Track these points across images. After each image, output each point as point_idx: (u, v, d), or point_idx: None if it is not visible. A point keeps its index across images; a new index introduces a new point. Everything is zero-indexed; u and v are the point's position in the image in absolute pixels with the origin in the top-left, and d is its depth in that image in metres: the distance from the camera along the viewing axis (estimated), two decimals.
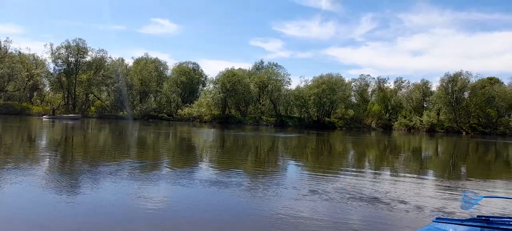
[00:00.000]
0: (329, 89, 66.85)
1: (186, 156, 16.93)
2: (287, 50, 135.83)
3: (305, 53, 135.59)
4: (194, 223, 6.30)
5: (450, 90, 68.77)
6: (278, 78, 71.10)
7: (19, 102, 58.61)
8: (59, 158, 13.71)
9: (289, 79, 73.10)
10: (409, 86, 78.01)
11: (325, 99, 66.86)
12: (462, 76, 68.67)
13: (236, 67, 71.85)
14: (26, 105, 58.02)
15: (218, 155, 17.85)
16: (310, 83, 71.31)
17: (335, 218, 6.84)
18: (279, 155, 19.60)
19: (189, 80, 75.54)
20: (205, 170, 12.36)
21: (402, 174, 13.48)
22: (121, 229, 5.82)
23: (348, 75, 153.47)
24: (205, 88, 76.86)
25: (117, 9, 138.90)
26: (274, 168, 13.86)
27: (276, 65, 75.23)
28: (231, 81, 65.38)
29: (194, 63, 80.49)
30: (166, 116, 63.77)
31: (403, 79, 79.46)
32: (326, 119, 70.18)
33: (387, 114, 73.87)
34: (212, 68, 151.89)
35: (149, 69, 68.15)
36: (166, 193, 8.47)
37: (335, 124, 68.90)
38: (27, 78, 61.40)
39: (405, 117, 72.53)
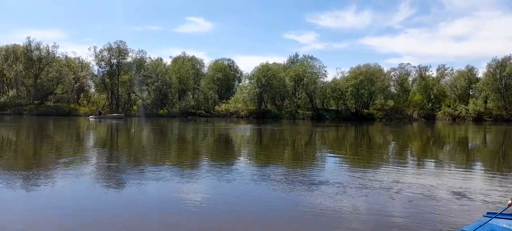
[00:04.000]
0: (367, 80, 65.15)
1: (225, 151, 17.26)
2: (321, 42, 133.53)
3: (341, 44, 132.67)
4: (235, 217, 6.46)
5: (498, 76, 64.71)
6: (314, 71, 70.23)
7: (67, 104, 62.18)
8: (106, 155, 14.48)
9: (325, 71, 72.08)
10: (452, 73, 74.32)
11: (363, 91, 65.24)
12: (511, 61, 64.39)
13: (271, 62, 71.91)
14: (74, 107, 61.45)
15: (256, 150, 18.03)
16: (346, 74, 69.89)
17: (377, 213, 6.73)
18: (317, 149, 19.46)
19: (225, 77, 76.49)
20: (244, 164, 12.55)
21: (448, 166, 12.96)
22: (164, 223, 6.08)
23: (387, 65, 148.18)
24: (240, 84, 77.57)
25: (153, 10, 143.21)
26: (312, 162, 13.81)
27: (311, 57, 74.44)
28: (266, 76, 65.46)
29: (229, 60, 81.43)
30: (204, 112, 65.07)
31: (446, 67, 75.88)
32: (365, 110, 68.50)
33: (430, 104, 70.86)
34: (247, 64, 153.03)
35: (186, 67, 69.75)
36: (208, 188, 8.72)
37: (374, 115, 67.11)
38: (74, 81, 64.96)
39: (449, 106, 69.24)
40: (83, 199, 7.53)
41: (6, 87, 62.95)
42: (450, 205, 7.34)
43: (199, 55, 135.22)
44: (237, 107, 65.70)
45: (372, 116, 66.73)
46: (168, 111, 63.22)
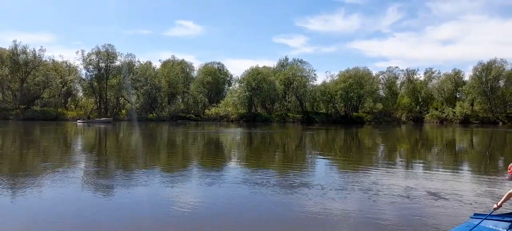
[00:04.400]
0: (356, 84, 65.71)
1: (216, 155, 17.20)
2: (311, 46, 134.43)
3: (330, 48, 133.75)
4: (226, 221, 6.44)
5: (484, 79, 65.93)
6: (303, 75, 70.57)
7: (55, 108, 61.27)
8: (95, 160, 14.29)
9: (315, 75, 72.54)
10: (440, 77, 75.44)
11: (352, 94, 65.77)
12: (496, 64, 65.73)
13: (261, 65, 72.06)
14: (61, 111, 60.57)
15: (246, 154, 18.02)
16: (336, 78, 70.38)
17: (365, 215, 6.79)
18: (307, 152, 19.54)
19: (215, 80, 76.37)
20: (234, 169, 12.53)
21: (436, 168, 13.14)
22: (155, 229, 6.03)
23: (375, 68, 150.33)
24: (230, 87, 77.51)
25: (143, 14, 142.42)
26: (302, 165, 13.86)
27: (300, 61, 74.81)
28: (256, 80, 65.57)
29: (219, 63, 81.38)
30: (194, 116, 64.80)
31: (433, 70, 76.96)
32: (354, 113, 69.07)
33: (418, 107, 71.74)
34: (237, 67, 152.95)
35: (176, 71, 69.42)
36: (198, 193, 8.68)
37: (363, 118, 67.67)
38: (61, 85, 64.05)
39: (436, 109, 70.21)
40: (70, 205, 7.43)
41: None
42: (437, 207, 7.45)
43: (189, 58, 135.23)
44: (227, 111, 65.62)
45: (361, 119, 67.29)
46: (157, 115, 62.75)
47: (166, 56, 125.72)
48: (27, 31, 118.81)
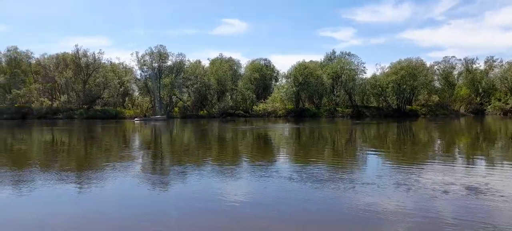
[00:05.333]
0: (408, 75, 62.81)
1: (264, 151, 17.43)
2: (359, 38, 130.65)
3: (379, 39, 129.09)
4: (277, 217, 6.57)
5: None
6: (352, 68, 68.81)
7: (114, 107, 65.45)
8: (151, 156, 15.15)
9: (364, 67, 70.43)
10: (502, 65, 69.78)
11: (404, 86, 63.00)
12: None
13: (307, 60, 71.32)
14: (120, 110, 64.53)
15: (295, 149, 18.05)
16: (387, 70, 67.78)
17: (424, 214, 6.55)
18: (358, 147, 19.12)
19: (262, 77, 76.89)
20: (283, 164, 12.63)
21: (500, 164, 12.29)
22: (207, 222, 6.32)
23: (429, 59, 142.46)
24: (277, 83, 77.65)
25: (189, 14, 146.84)
26: (354, 160, 13.63)
27: (348, 54, 72.98)
28: (303, 74, 65.06)
29: (266, 59, 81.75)
30: (242, 112, 65.85)
31: (494, 58, 71.50)
32: (408, 106, 66.12)
33: (478, 98, 67.14)
34: (283, 63, 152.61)
35: (224, 68, 70.90)
36: (248, 188, 8.90)
37: (418, 111, 64.57)
38: (119, 85, 68.17)
39: (499, 100, 65.19)
40: (128, 196, 8.00)
41: (58, 93, 67.25)
42: (503, 205, 7.02)
43: (235, 56, 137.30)
44: (274, 107, 65.85)
45: (416, 112, 64.23)
46: (207, 112, 64.65)
47: (214, 54, 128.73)
48: (87, 36, 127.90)
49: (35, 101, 61.00)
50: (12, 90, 62.00)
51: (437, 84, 72.32)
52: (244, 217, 6.47)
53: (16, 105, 61.01)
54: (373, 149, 17.63)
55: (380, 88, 65.34)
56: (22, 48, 67.11)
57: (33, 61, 67.32)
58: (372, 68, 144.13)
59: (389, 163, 13.05)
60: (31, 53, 67.17)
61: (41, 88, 63.74)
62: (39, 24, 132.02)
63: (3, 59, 65.42)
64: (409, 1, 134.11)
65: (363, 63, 70.90)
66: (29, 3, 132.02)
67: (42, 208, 7.14)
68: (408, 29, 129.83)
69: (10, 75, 63.51)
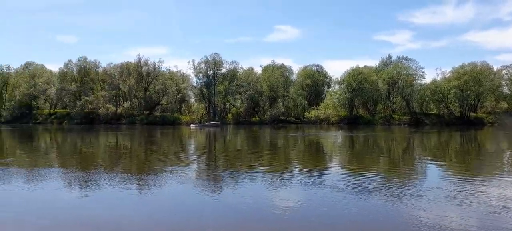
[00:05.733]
0: (473, 80, 58.45)
1: (316, 159, 17.29)
2: (417, 41, 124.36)
3: (440, 42, 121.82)
4: (324, 228, 6.56)
5: None
6: (410, 73, 65.67)
7: (171, 113, 68.74)
8: (205, 161, 15.74)
9: (423, 72, 66.92)
10: None
11: (468, 92, 58.71)
12: None
13: (361, 65, 69.35)
14: (177, 116, 67.61)
15: (348, 158, 17.68)
16: (448, 75, 63.66)
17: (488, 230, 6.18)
18: (416, 156, 18.24)
19: (314, 83, 76.10)
20: (335, 173, 12.46)
21: None
22: (256, 229, 6.47)
23: (497, 62, 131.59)
24: (330, 89, 76.36)
25: (243, 22, 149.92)
26: (411, 171, 13.06)
27: (406, 58, 69.84)
28: (357, 80, 63.34)
29: (318, 65, 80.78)
30: (294, 119, 65.64)
31: None
32: (472, 114, 61.50)
33: None
34: (336, 68, 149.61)
35: (276, 75, 71.33)
36: (299, 196, 8.93)
37: (484, 119, 59.78)
38: (177, 92, 71.45)
39: None
40: (183, 199, 8.42)
41: (121, 100, 72.09)
42: None
43: (287, 62, 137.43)
44: (327, 113, 64.76)
45: (481, 120, 59.54)
46: (259, 118, 65.41)
47: (266, 61, 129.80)
48: (148, 46, 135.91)
49: (102, 108, 65.88)
50: (81, 97, 67.60)
51: (505, 90, 66.39)
52: (291, 226, 6.54)
53: (84, 111, 66.41)
54: (433, 159, 16.72)
55: (441, 95, 61.56)
56: (90, 58, 72.92)
57: (100, 70, 72.88)
58: (431, 73, 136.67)
59: (451, 175, 12.32)
60: (99, 62, 72.86)
61: (107, 95, 68.73)
62: (106, 36, 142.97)
63: (74, 68, 71.57)
64: (472, 1, 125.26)
65: (422, 68, 67.50)
66: (97, 18, 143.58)
67: (104, 210, 7.74)
68: (471, 30, 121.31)
69: (80, 83, 69.34)
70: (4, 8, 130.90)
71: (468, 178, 11.29)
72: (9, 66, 78.98)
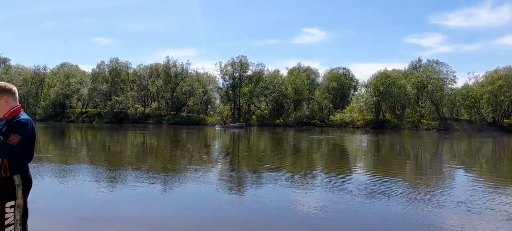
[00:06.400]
0: (507, 85, 56.07)
1: (340, 163, 17.11)
2: (449, 44, 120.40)
3: (473, 46, 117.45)
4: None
5: None
6: (440, 77, 63.76)
7: (197, 114, 69.84)
8: (229, 161, 15.91)
9: (454, 76, 64.78)
10: None
11: (502, 97, 56.36)
12: None
13: (389, 69, 68.01)
14: (202, 117, 68.61)
15: (373, 162, 17.38)
16: (481, 79, 61.39)
17: None
18: (445, 163, 17.70)
19: (340, 86, 75.25)
20: (359, 178, 12.28)
21: None
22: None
23: None
24: (356, 93, 75.24)
25: (271, 24, 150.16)
26: (439, 179, 12.69)
27: (436, 62, 67.83)
28: (384, 84, 62.09)
29: (344, 68, 79.83)
30: (319, 122, 65.10)
31: None
32: (505, 120, 58.96)
33: None
34: (363, 71, 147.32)
35: (302, 78, 71.05)
36: (321, 199, 8.88)
37: None
38: (203, 94, 72.54)
39: None
40: (206, 200, 8.55)
41: (150, 100, 73.91)
42: None
43: (314, 65, 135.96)
44: (352, 117, 63.82)
45: None
46: (283, 121, 65.30)
47: (292, 63, 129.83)
48: (177, 48, 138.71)
49: (130, 108, 67.80)
50: (112, 97, 69.81)
51: None
52: (314, 229, 6.54)
53: (114, 110, 68.54)
54: (464, 167, 16.17)
55: (472, 100, 59.39)
56: (122, 59, 75.27)
57: (131, 71, 75.07)
58: (463, 77, 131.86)
59: (481, 184, 11.87)
60: (129, 63, 75.14)
61: (136, 95, 70.66)
62: (137, 38, 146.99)
63: (106, 69, 74.08)
64: (509, 3, 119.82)
65: (453, 72, 65.41)
66: (129, 21, 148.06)
67: (128, 206, 7.97)
68: (508, 33, 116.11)
69: (111, 84, 71.64)
70: (43, 13, 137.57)
71: (501, 186, 10.85)
72: (45, 66, 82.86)
